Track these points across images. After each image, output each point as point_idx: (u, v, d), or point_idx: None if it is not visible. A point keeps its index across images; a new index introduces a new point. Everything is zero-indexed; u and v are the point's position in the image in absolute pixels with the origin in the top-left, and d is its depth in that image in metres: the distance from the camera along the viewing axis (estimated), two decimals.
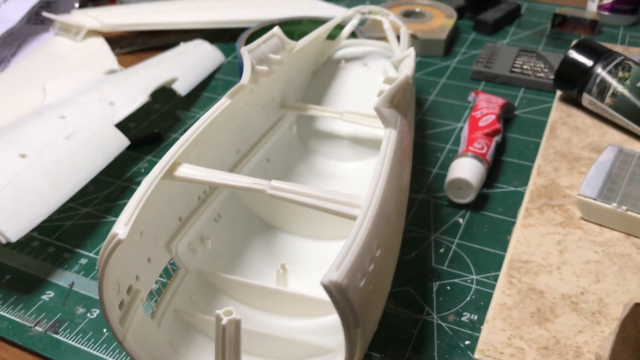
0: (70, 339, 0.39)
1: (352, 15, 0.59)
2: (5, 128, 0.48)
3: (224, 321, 0.29)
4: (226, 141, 0.43)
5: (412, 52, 0.45)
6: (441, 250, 0.45)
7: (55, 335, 0.39)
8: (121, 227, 0.29)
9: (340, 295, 0.26)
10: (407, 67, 0.43)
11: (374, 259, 0.29)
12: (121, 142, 0.51)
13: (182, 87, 0.61)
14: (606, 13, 0.76)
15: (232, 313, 0.29)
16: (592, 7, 0.77)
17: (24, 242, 0.46)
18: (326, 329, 0.37)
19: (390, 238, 0.32)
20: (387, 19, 0.58)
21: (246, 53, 0.41)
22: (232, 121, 0.43)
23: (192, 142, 0.36)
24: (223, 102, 0.40)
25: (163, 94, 0.64)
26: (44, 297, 0.42)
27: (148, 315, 0.34)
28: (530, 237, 0.44)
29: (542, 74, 0.64)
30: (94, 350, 0.38)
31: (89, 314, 0.40)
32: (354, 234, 0.29)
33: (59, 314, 0.40)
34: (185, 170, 0.34)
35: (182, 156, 0.36)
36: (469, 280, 0.42)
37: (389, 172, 0.33)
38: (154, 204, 0.34)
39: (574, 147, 0.53)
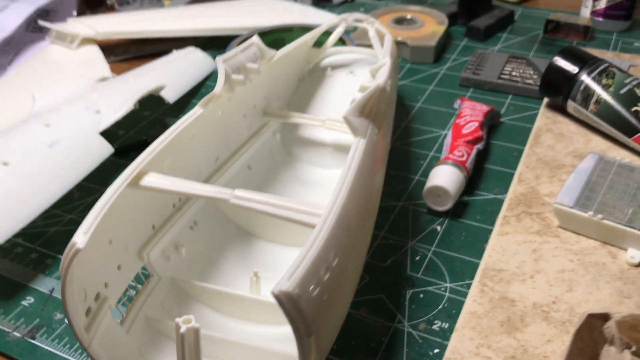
0: (46, 344, 0.39)
1: (338, 23, 0.60)
2: None
3: (183, 329, 0.29)
4: (203, 149, 0.43)
5: (388, 61, 0.45)
6: (417, 258, 0.45)
7: (32, 341, 0.40)
8: (80, 236, 0.30)
9: (290, 304, 0.27)
10: (382, 77, 0.43)
11: (330, 268, 0.29)
12: (105, 149, 0.51)
13: (170, 95, 0.62)
14: (599, 19, 0.76)
15: (191, 321, 0.30)
16: (585, 13, 0.77)
17: (8, 248, 0.47)
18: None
19: (350, 247, 0.32)
20: (373, 26, 0.59)
21: (221, 62, 0.42)
22: (210, 129, 0.43)
23: (160, 151, 0.36)
24: (196, 110, 0.40)
25: (152, 101, 0.65)
26: (24, 302, 0.43)
27: (117, 322, 0.35)
28: (505, 246, 0.44)
29: (530, 81, 0.63)
30: (69, 355, 0.39)
31: (66, 320, 0.41)
32: (310, 243, 0.29)
33: (37, 320, 0.41)
34: (151, 179, 0.34)
35: (153, 164, 0.36)
36: (443, 289, 0.42)
37: (352, 182, 0.34)
38: (123, 212, 0.34)
39: (557, 154, 0.53)
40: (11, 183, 0.44)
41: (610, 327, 0.28)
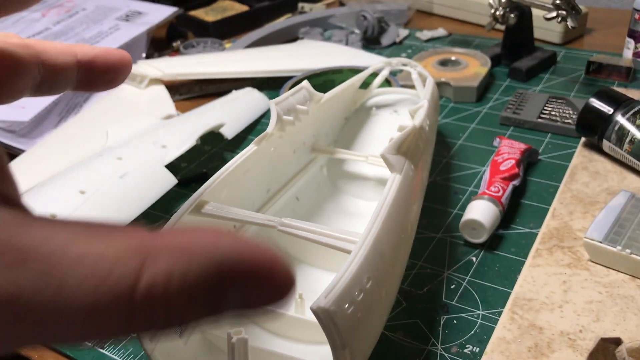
0: (113, 354, 0.44)
1: (383, 67, 0.64)
2: (71, 167, 0.56)
3: (234, 339, 0.34)
4: (256, 181, 0.48)
5: (425, 103, 0.49)
6: (452, 286, 0.48)
7: (101, 350, 0.45)
8: None
9: (327, 319, 0.30)
10: (419, 117, 0.47)
11: (363, 290, 0.33)
12: (170, 181, 0.57)
13: (229, 131, 0.67)
14: None
15: (241, 332, 0.34)
16: (628, 55, 0.79)
17: None
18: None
19: (383, 273, 0.36)
20: (415, 69, 0.63)
21: (273, 105, 0.47)
22: (263, 163, 0.48)
23: (218, 183, 0.41)
24: (250, 148, 0.45)
25: (213, 137, 0.71)
26: None
27: (177, 334, 0.39)
28: (536, 277, 0.47)
29: (569, 120, 0.66)
30: None
31: None
32: (346, 266, 0.33)
33: None
34: (210, 208, 0.39)
35: (212, 195, 0.41)
36: (475, 315, 0.45)
37: (387, 214, 0.37)
38: None
39: (591, 191, 0.55)
40: (86, 210, 0.50)
41: (621, 351, 0.31)
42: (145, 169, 0.56)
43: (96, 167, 0.55)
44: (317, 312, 0.30)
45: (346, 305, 0.32)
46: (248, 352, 0.34)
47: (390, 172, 0.41)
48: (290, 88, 0.72)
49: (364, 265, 0.33)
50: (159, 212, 0.59)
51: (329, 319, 0.30)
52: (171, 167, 0.62)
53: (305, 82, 0.52)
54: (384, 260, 0.36)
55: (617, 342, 0.31)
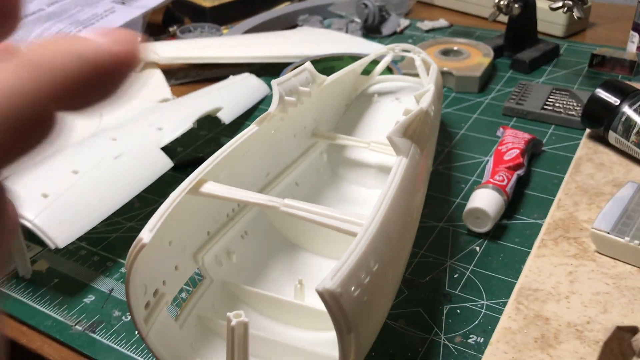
0: (105, 339, 0.43)
1: (386, 53, 0.63)
2: (63, 147, 0.54)
3: (233, 322, 0.32)
4: (256, 164, 0.46)
5: (432, 87, 0.48)
6: (455, 276, 0.47)
7: (92, 334, 0.43)
8: (146, 233, 0.33)
9: (332, 301, 0.29)
10: (425, 102, 0.46)
11: (370, 272, 0.32)
12: (165, 163, 0.55)
13: (226, 116, 0.66)
14: None
15: (241, 316, 0.32)
16: (632, 48, 0.78)
17: (73, 251, 0.51)
18: (335, 342, 0.39)
19: (390, 256, 0.34)
20: (419, 56, 0.61)
21: (276, 85, 0.45)
22: (263, 146, 0.47)
23: (217, 163, 0.39)
24: (251, 128, 0.43)
25: (210, 122, 0.69)
26: (86, 300, 0.46)
27: (172, 318, 0.38)
28: (542, 267, 0.45)
29: (573, 112, 0.65)
30: (125, 349, 0.42)
31: (123, 317, 0.44)
32: (352, 248, 0.31)
33: (98, 316, 0.45)
34: (210, 187, 0.37)
35: (211, 175, 0.39)
36: (479, 305, 0.44)
37: (394, 197, 0.36)
38: (183, 217, 0.38)
39: (597, 182, 0.54)
40: (79, 190, 0.48)
41: (637, 340, 0.30)
42: (140, 151, 0.54)
43: (90, 148, 0.53)
44: (323, 293, 0.29)
45: (352, 288, 0.30)
46: (248, 337, 0.33)
47: (396, 155, 0.40)
48: None
49: (370, 247, 0.32)
50: (153, 195, 0.58)
51: (335, 302, 0.29)
52: (167, 151, 0.60)
53: (308, 64, 0.50)
54: (391, 244, 0.35)
55: (634, 330, 0.30)
